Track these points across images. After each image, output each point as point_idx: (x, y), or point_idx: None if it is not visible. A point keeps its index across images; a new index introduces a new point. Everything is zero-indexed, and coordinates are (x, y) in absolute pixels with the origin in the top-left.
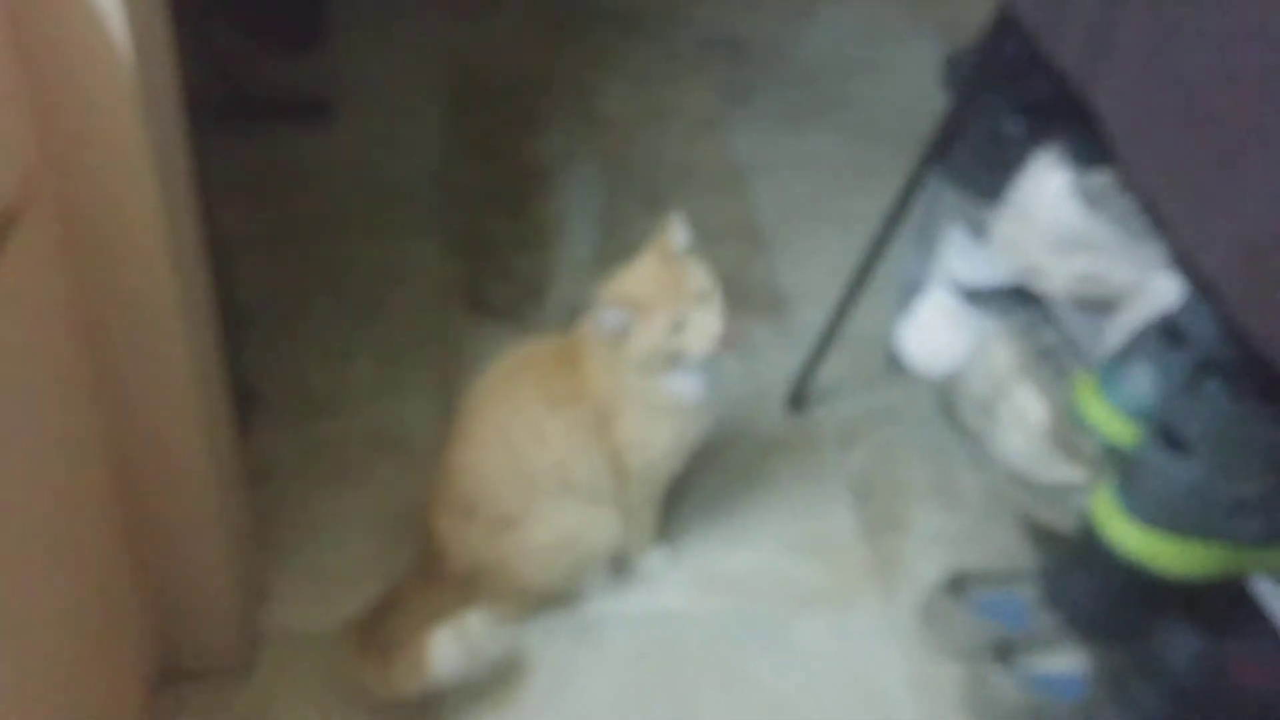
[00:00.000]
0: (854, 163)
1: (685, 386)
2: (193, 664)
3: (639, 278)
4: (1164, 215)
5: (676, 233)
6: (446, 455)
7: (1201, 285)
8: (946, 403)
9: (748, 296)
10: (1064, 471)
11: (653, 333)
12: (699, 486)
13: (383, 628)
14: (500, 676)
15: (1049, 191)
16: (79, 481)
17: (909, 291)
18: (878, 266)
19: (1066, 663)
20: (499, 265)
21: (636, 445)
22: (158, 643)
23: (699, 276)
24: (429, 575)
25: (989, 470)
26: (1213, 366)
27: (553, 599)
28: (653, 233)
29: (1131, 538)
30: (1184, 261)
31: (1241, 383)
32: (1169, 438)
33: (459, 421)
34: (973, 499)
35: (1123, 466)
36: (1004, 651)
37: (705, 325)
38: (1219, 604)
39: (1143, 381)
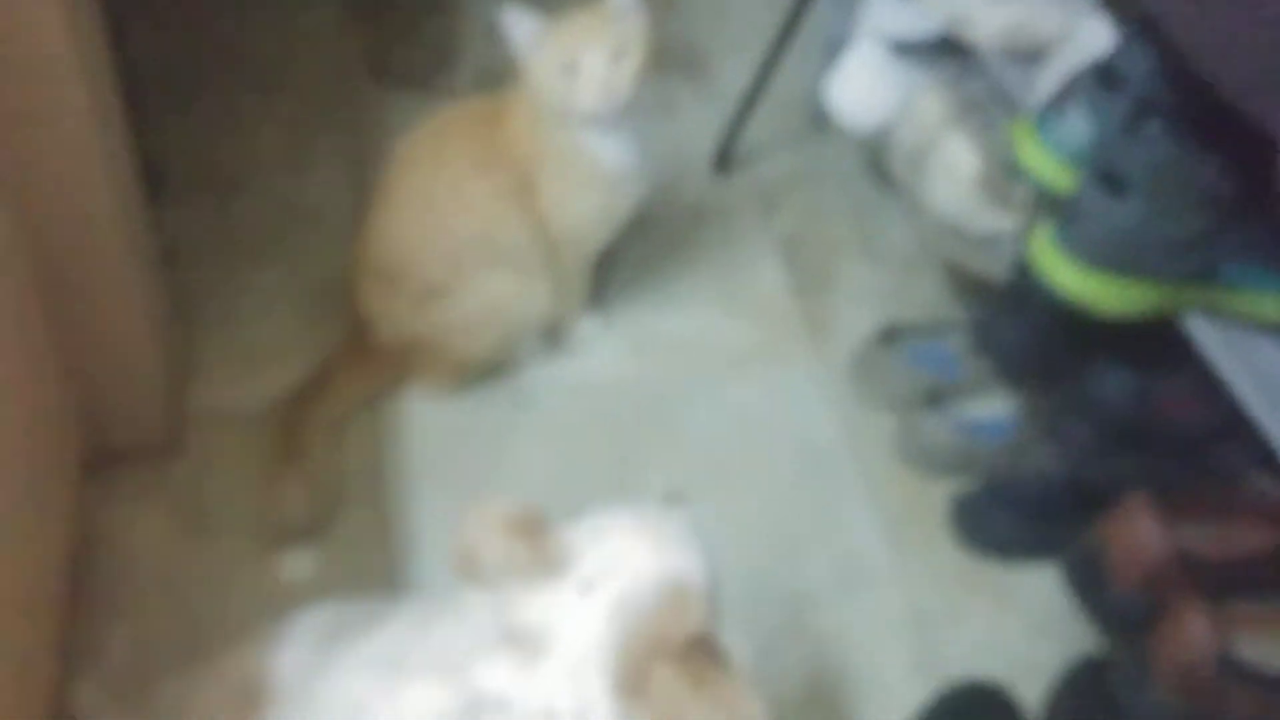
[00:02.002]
0: None
1: (608, 152)
2: (123, 445)
3: (572, 19)
4: None
5: None
6: (368, 224)
7: (1140, 22)
8: (874, 158)
9: (665, 55)
10: (994, 220)
11: (546, 64)
12: (629, 252)
13: (311, 410)
14: (439, 447)
15: None
16: None
17: (834, 47)
18: (802, 21)
19: (996, 408)
20: (404, 29)
21: (560, 213)
22: (87, 425)
23: (625, 34)
24: (358, 352)
25: (918, 224)
26: (1150, 108)
27: (486, 370)
28: None
29: (1070, 280)
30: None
31: (1179, 123)
32: (1108, 180)
33: (380, 188)
34: (901, 254)
35: (1060, 210)
36: (935, 399)
37: (595, 75)
38: (1148, 343)
39: (1079, 125)
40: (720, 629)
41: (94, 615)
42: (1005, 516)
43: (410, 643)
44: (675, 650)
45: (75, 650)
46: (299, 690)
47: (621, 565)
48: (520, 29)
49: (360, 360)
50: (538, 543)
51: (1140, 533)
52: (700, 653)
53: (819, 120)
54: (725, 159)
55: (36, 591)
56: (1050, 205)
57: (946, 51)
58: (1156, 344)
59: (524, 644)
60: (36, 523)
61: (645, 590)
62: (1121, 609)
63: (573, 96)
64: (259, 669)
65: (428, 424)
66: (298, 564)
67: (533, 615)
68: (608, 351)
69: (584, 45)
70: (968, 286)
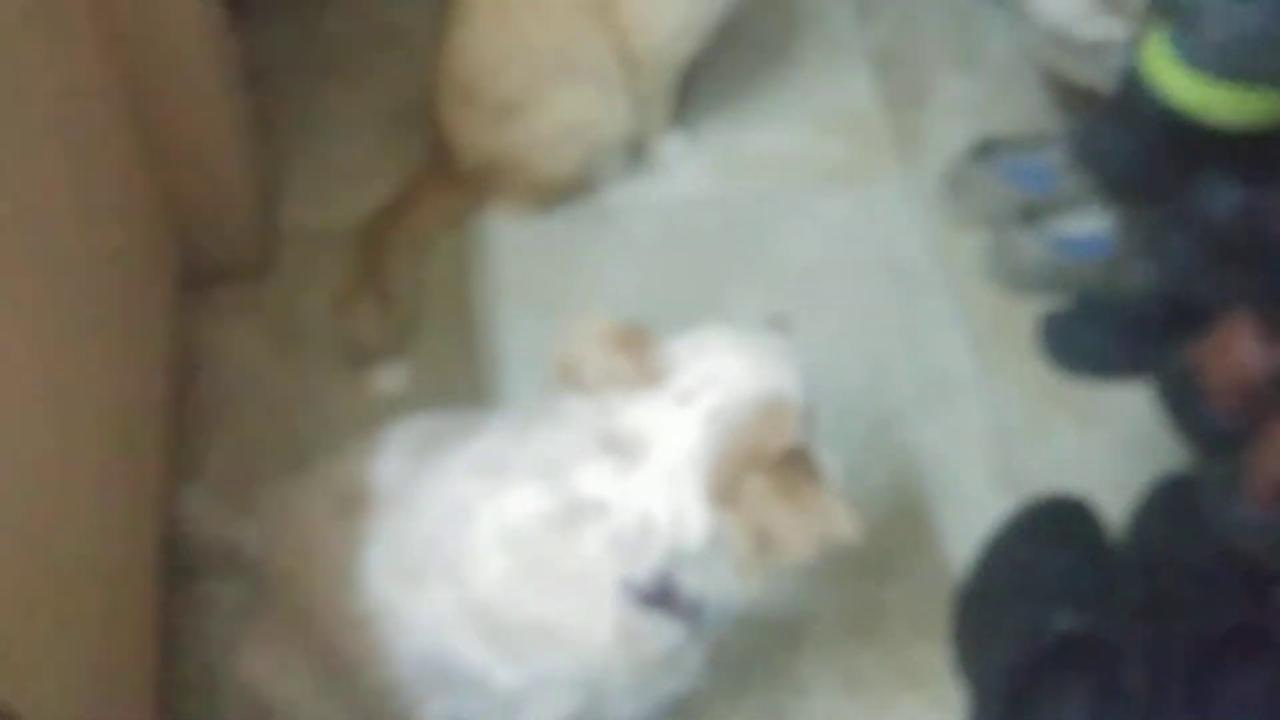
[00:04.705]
0: None
1: None
2: (217, 264)
3: None
4: None
5: None
6: (447, 39)
7: None
8: None
9: None
10: (1105, 27)
11: None
12: (715, 66)
13: (393, 231)
14: (524, 265)
15: None
16: (84, 83)
17: None
18: None
19: (1092, 224)
20: None
21: (643, 25)
22: (182, 244)
23: None
24: (441, 172)
25: (1020, 33)
26: None
27: (569, 189)
28: None
29: (1184, 87)
30: None
31: None
32: None
33: (459, 2)
34: (998, 65)
35: (1177, 15)
36: (1030, 215)
37: None
38: (1258, 157)
39: None
40: (816, 449)
41: (195, 427)
42: (1096, 334)
43: (510, 448)
44: (769, 462)
45: (179, 460)
46: (399, 496)
47: (721, 378)
48: None
49: (443, 180)
50: (639, 355)
51: (1239, 351)
52: (793, 466)
53: None
54: None
55: (140, 404)
56: (1166, 9)
57: None
58: (1266, 157)
59: (622, 450)
60: (137, 337)
61: (742, 403)
62: (1215, 428)
63: None
64: (358, 477)
65: (512, 243)
66: (388, 379)
67: (631, 422)
68: (693, 169)
69: None
70: (1069, 99)
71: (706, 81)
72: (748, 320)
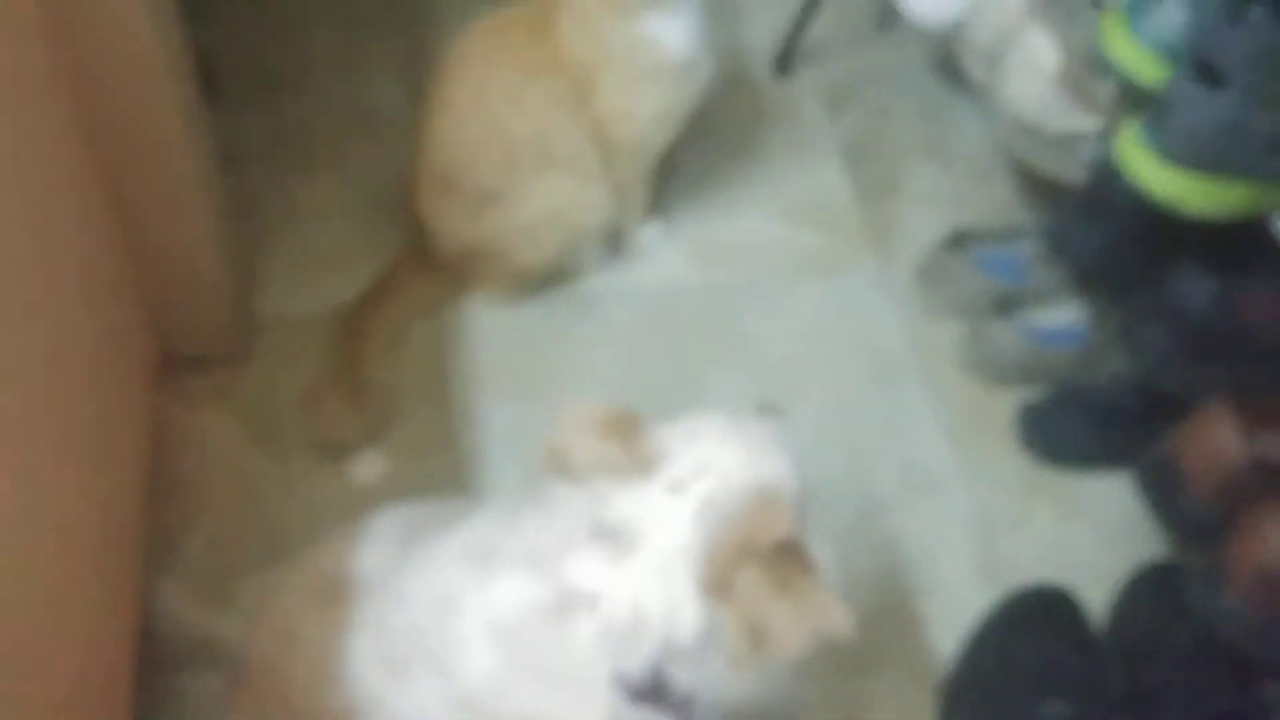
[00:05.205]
0: None
1: (672, 35)
2: (194, 351)
3: None
4: None
5: None
6: (424, 129)
7: None
8: (944, 56)
9: None
10: (1075, 120)
11: None
12: (689, 158)
13: (370, 320)
14: (502, 353)
15: None
16: (60, 173)
17: None
18: None
19: (1067, 315)
20: None
21: (621, 113)
22: (157, 333)
23: None
24: (418, 260)
25: (990, 125)
26: None
27: (547, 278)
28: None
29: (1158, 179)
30: None
31: None
32: (1204, 71)
33: (433, 92)
34: (970, 158)
35: (1149, 106)
36: (1004, 306)
37: None
38: (1231, 247)
39: (1174, 14)
40: (808, 540)
41: (171, 516)
42: (1073, 424)
43: (498, 537)
44: (762, 553)
45: (156, 550)
46: (382, 585)
47: (713, 467)
48: None
49: (421, 268)
50: (630, 443)
51: (1218, 440)
52: (787, 558)
53: (886, 17)
54: (788, 58)
55: (115, 492)
56: (1138, 101)
57: None
58: (1240, 247)
59: (613, 540)
60: (112, 425)
61: (735, 493)
62: (1196, 517)
63: None
64: (341, 567)
65: (491, 330)
66: (366, 468)
67: (622, 512)
68: (669, 258)
69: None
70: (1040, 190)
71: (681, 172)
72: (735, 407)
